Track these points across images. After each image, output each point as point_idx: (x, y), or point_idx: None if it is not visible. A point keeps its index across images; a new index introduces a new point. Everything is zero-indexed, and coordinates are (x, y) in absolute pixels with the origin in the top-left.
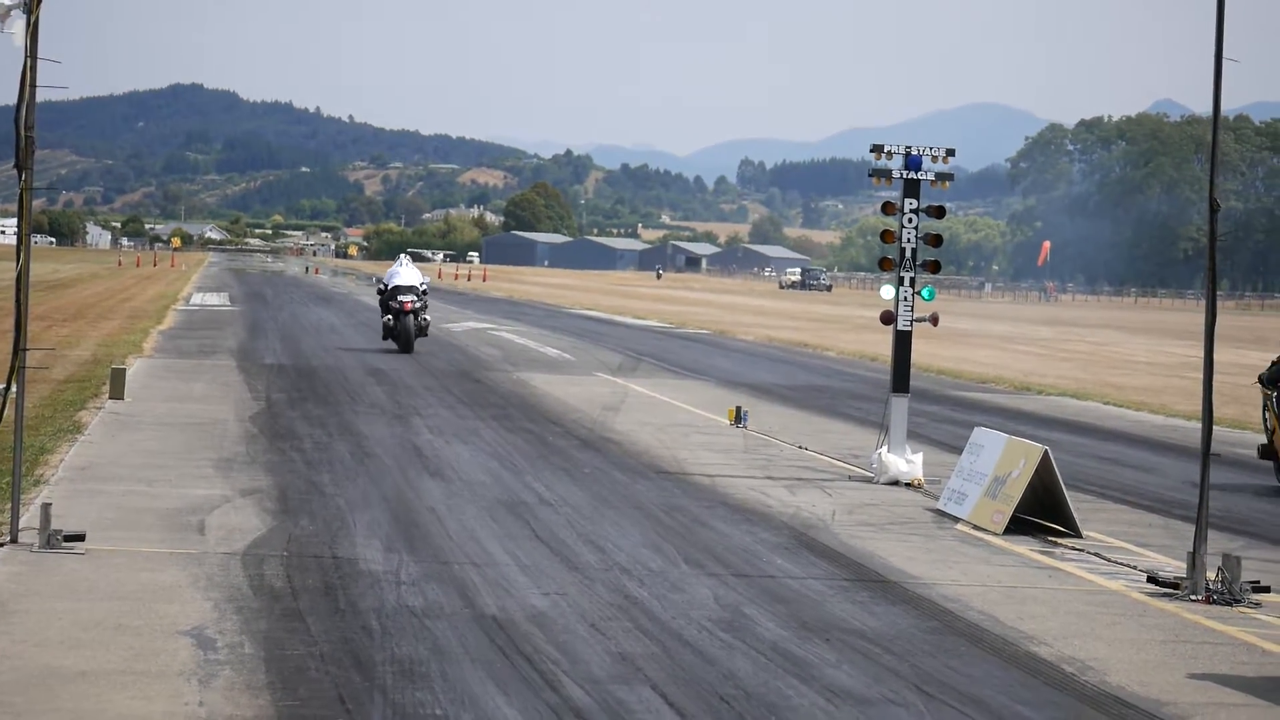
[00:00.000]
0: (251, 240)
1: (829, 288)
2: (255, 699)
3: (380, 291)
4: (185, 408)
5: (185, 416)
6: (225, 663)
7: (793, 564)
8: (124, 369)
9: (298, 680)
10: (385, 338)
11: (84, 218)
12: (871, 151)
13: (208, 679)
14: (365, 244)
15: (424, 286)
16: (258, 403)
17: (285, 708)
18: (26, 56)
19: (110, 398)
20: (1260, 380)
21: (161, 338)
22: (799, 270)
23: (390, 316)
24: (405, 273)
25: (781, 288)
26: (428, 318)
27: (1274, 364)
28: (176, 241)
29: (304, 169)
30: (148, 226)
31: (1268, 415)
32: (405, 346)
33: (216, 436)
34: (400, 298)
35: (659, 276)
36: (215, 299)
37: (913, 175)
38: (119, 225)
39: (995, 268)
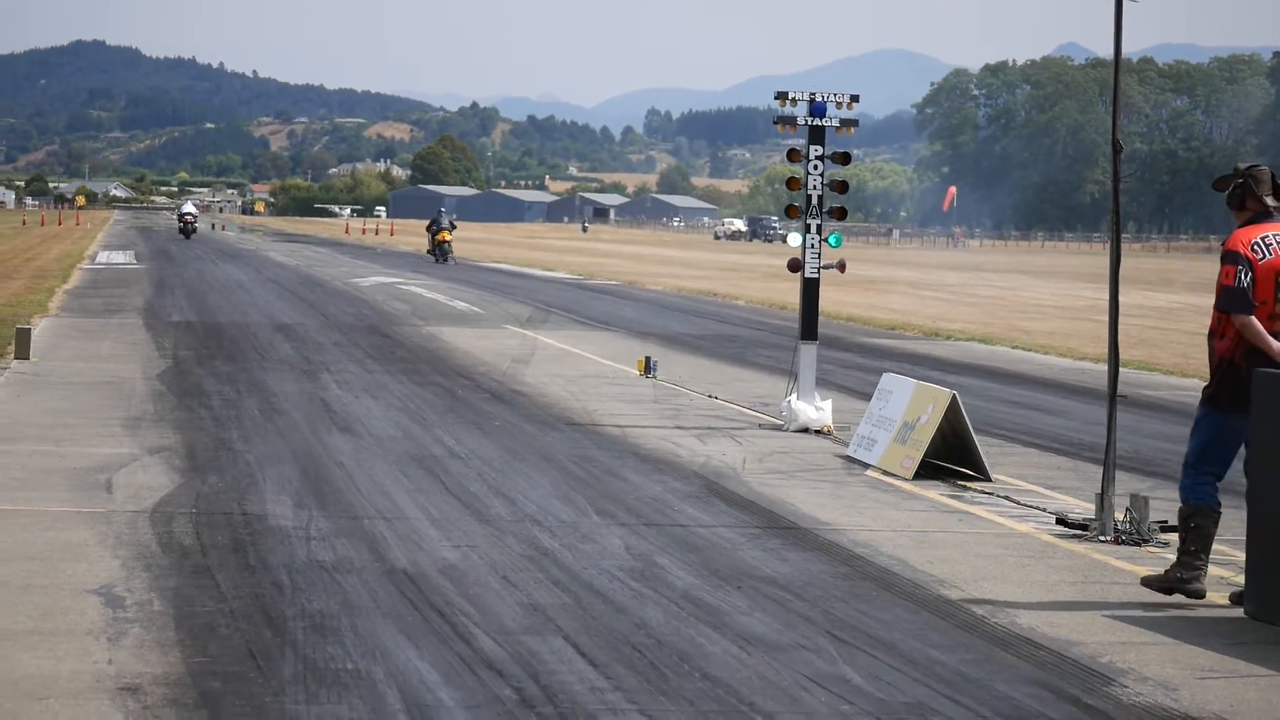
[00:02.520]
0: (157, 198)
1: (785, 238)
2: (165, 656)
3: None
4: (92, 367)
5: (92, 375)
6: (134, 620)
7: (704, 512)
8: (29, 329)
9: (207, 637)
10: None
11: None
12: (776, 99)
13: (117, 637)
14: (272, 200)
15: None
16: (165, 361)
17: (195, 664)
18: None
19: (15, 358)
20: None
21: (67, 297)
22: (742, 220)
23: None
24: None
25: (717, 239)
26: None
27: None
28: (81, 200)
29: (209, 125)
30: (52, 185)
31: None
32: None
33: (124, 395)
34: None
35: (585, 230)
36: (121, 257)
37: (817, 122)
38: (22, 184)
39: (903, 214)
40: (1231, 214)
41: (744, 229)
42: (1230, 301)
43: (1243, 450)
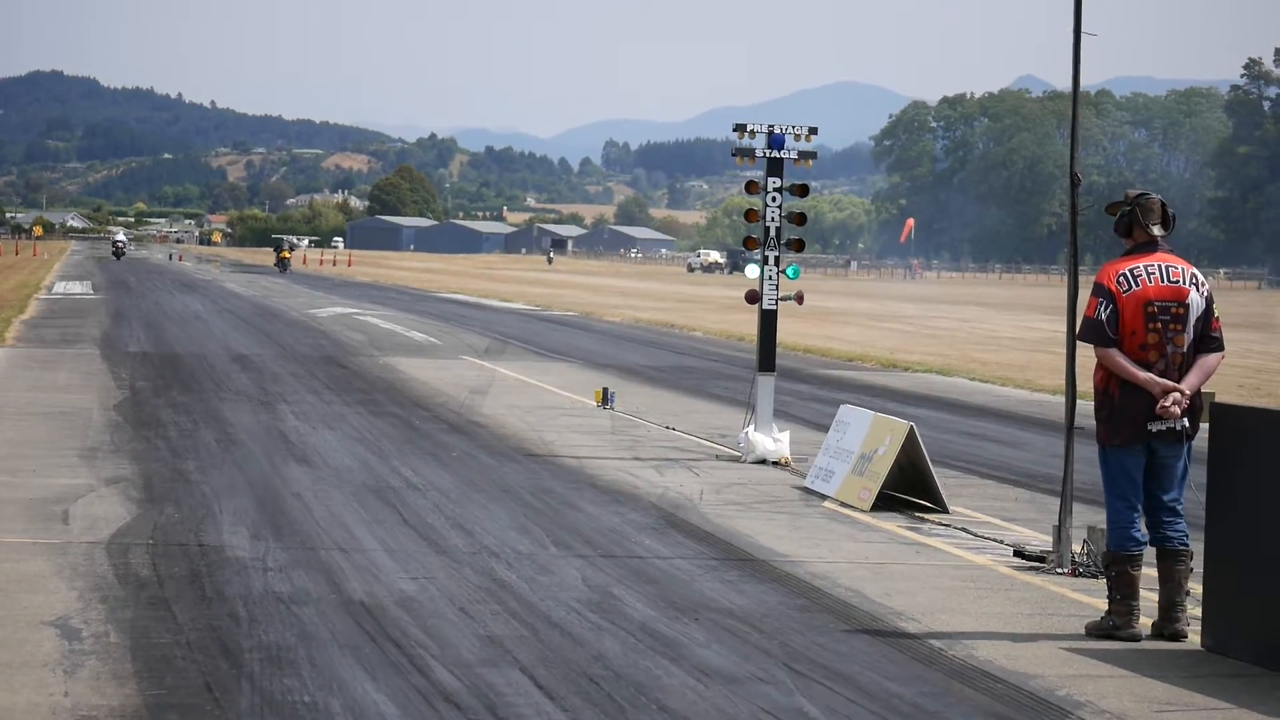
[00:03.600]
0: (114, 228)
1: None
2: (121, 688)
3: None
4: (48, 397)
5: (48, 406)
6: (90, 652)
7: (661, 544)
8: None
9: (164, 669)
10: None
11: None
12: (735, 130)
13: (73, 669)
14: (229, 230)
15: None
16: (122, 391)
17: (152, 697)
18: None
19: None
20: None
21: (23, 327)
22: (720, 252)
23: None
24: None
25: (691, 270)
26: None
27: None
28: (38, 230)
29: (166, 156)
30: (9, 216)
31: None
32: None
33: (81, 426)
34: None
35: (550, 261)
36: (78, 287)
37: (776, 154)
38: None
39: (861, 246)
40: (1122, 241)
41: (722, 261)
42: (1086, 333)
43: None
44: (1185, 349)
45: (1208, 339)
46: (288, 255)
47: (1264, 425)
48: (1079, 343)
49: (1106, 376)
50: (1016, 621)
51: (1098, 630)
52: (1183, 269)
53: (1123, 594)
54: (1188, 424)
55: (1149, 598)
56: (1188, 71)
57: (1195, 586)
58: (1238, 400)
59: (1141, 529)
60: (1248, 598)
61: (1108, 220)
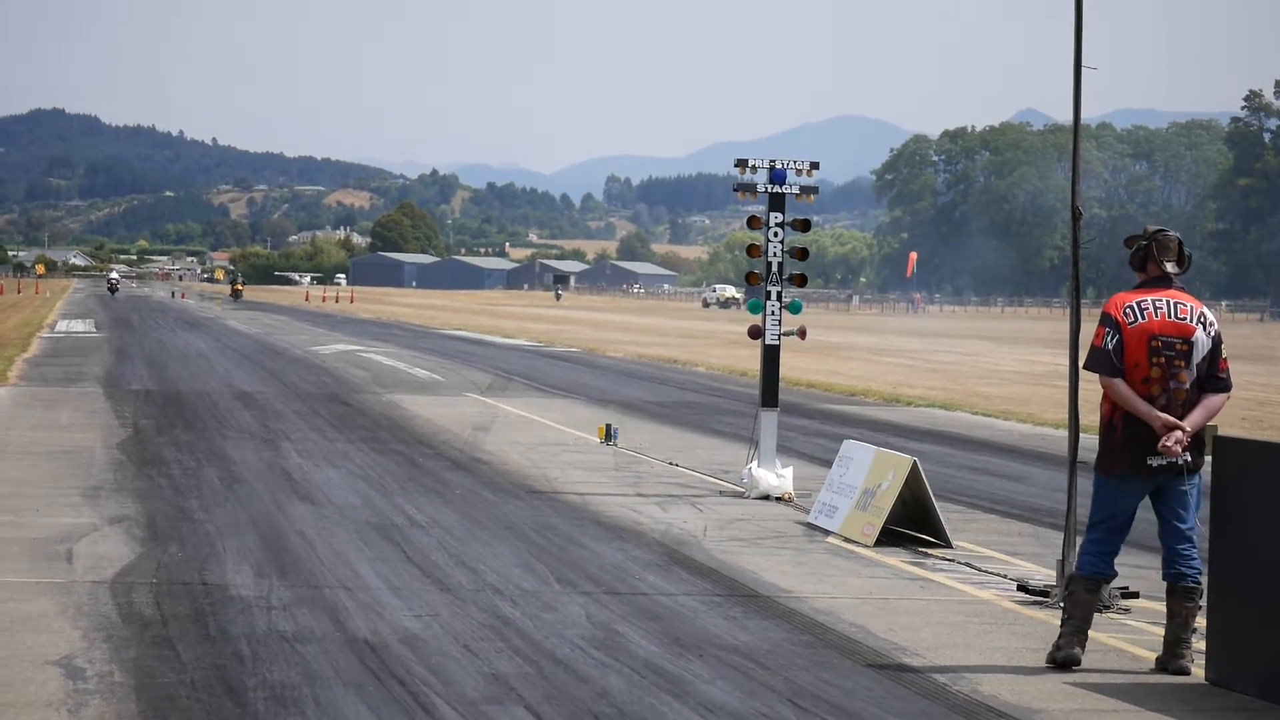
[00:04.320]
0: (117, 266)
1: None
2: None
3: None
4: (52, 436)
5: (52, 445)
6: (95, 692)
7: (665, 580)
8: None
9: (168, 708)
10: None
11: None
12: (736, 166)
13: (77, 708)
14: (232, 268)
15: None
16: (125, 430)
17: None
18: None
19: None
20: None
21: (26, 365)
22: (738, 287)
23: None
24: None
25: (707, 306)
26: None
27: None
28: (41, 269)
29: (168, 193)
30: (11, 254)
31: None
32: None
33: (84, 464)
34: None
35: (558, 298)
36: (81, 325)
37: (777, 189)
38: None
39: (863, 280)
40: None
41: (740, 296)
42: (1094, 362)
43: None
44: (1188, 386)
45: (1214, 378)
46: (240, 288)
47: (1267, 458)
48: (1084, 373)
49: (1112, 407)
50: (1021, 656)
51: (1050, 655)
52: (1191, 307)
53: (1070, 614)
54: (1189, 459)
55: (1152, 631)
56: (1188, 104)
57: (1200, 620)
58: (1240, 433)
59: (1110, 563)
60: (1252, 631)
61: (1110, 253)
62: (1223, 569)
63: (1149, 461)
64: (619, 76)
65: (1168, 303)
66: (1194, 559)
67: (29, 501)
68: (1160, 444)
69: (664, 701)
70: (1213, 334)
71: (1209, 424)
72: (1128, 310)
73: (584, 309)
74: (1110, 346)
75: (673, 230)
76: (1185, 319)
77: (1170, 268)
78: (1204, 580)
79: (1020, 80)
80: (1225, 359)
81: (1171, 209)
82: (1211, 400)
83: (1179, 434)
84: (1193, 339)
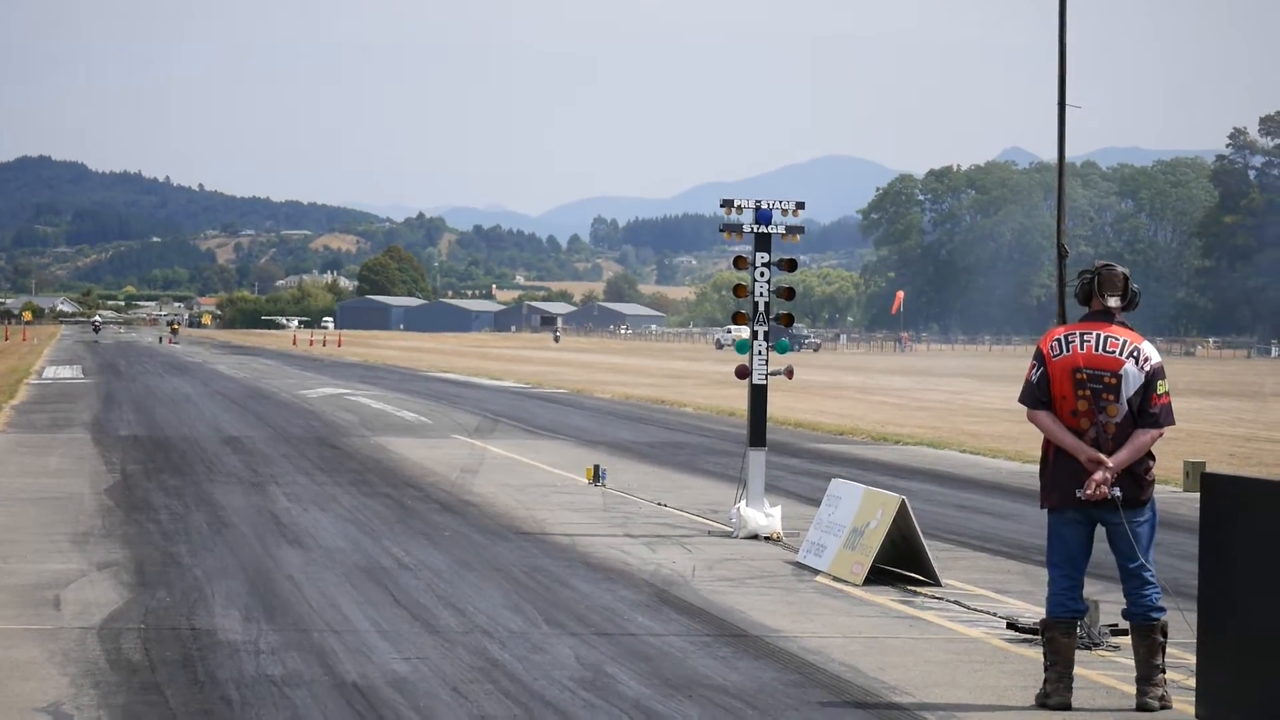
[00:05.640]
0: (104, 312)
1: (818, 348)
2: None
3: None
4: (39, 482)
5: (39, 491)
6: None
7: (654, 621)
8: None
9: None
10: None
11: None
12: (722, 206)
13: None
14: (219, 313)
15: None
16: (113, 475)
17: None
18: None
19: None
20: None
21: (14, 412)
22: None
23: None
24: None
25: (720, 347)
26: None
27: None
28: (28, 315)
29: (155, 239)
30: None
31: None
32: None
33: (72, 510)
34: None
35: (556, 340)
36: (68, 371)
37: (763, 229)
38: None
39: (850, 319)
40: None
41: None
42: (1022, 394)
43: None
44: (1119, 419)
45: (1145, 414)
46: (178, 328)
47: (1255, 495)
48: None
49: (1047, 441)
50: (1010, 694)
51: (1038, 699)
52: (1125, 341)
53: (1052, 660)
54: (1119, 494)
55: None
56: (1173, 142)
57: (1189, 656)
58: (1229, 469)
59: (1077, 598)
60: (1242, 668)
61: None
62: (1211, 605)
63: (1078, 494)
64: (605, 118)
65: (1096, 335)
66: (1146, 595)
67: (17, 548)
68: (1085, 485)
69: None
70: (1147, 369)
71: (1194, 460)
72: (1055, 344)
73: (571, 350)
74: (1035, 379)
75: (660, 271)
76: (1114, 352)
77: (1113, 302)
78: (1162, 617)
79: (1005, 119)
80: (1163, 395)
81: (1157, 246)
82: (1140, 437)
83: (1102, 473)
84: (1120, 371)
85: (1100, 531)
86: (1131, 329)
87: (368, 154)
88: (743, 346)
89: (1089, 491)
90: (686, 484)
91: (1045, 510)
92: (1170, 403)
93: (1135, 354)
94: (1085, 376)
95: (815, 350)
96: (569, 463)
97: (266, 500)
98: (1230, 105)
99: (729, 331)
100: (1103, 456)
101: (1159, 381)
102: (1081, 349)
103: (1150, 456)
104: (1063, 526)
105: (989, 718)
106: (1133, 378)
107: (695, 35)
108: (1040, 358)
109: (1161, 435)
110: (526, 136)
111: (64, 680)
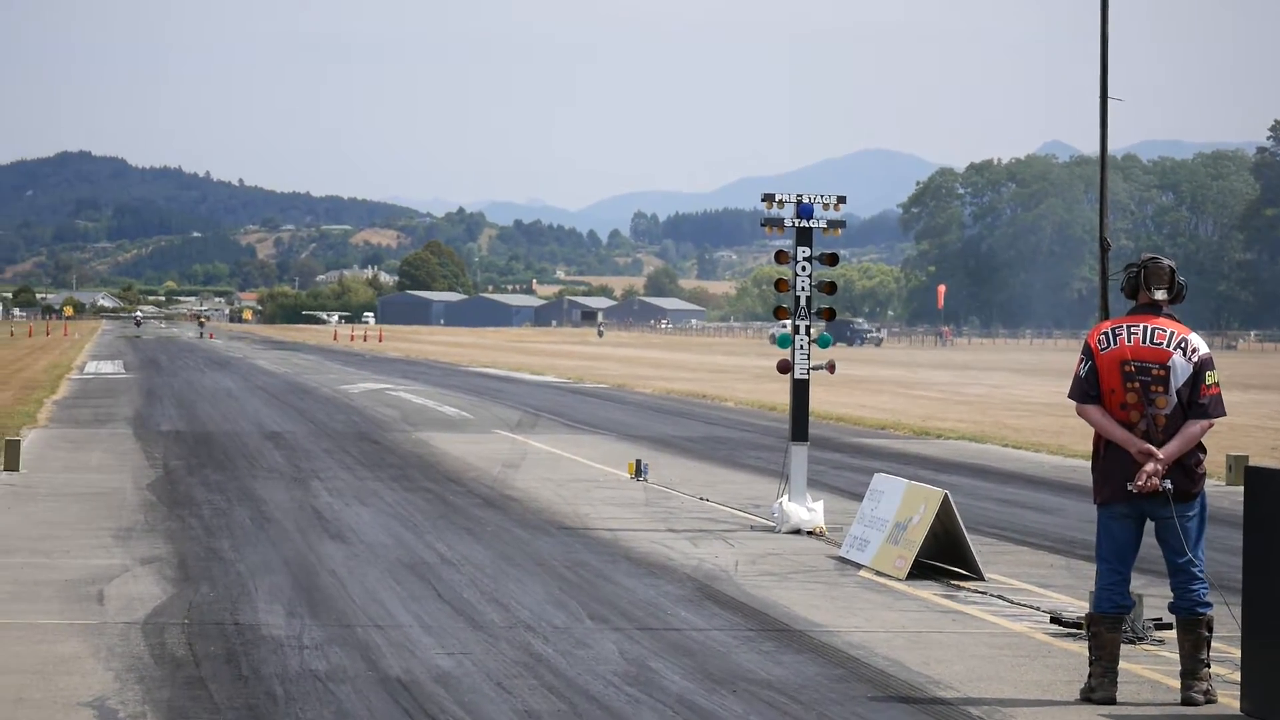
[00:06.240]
0: (145, 307)
1: (880, 342)
2: None
3: None
4: (82, 477)
5: (82, 486)
6: None
7: (697, 616)
8: (18, 440)
9: None
10: None
11: None
12: (763, 201)
13: None
14: (260, 308)
15: None
16: (155, 470)
17: None
18: None
19: (4, 469)
20: None
21: (56, 407)
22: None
23: None
24: None
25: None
26: None
27: None
28: (69, 310)
29: (195, 234)
30: (39, 296)
31: None
32: None
33: (114, 506)
34: None
35: (600, 334)
36: (110, 366)
37: (805, 223)
38: (10, 296)
39: (890, 313)
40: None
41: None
42: (1072, 389)
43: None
44: (1168, 411)
45: (1196, 405)
46: (204, 321)
47: None
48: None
49: (1097, 435)
50: (1055, 689)
51: (1082, 693)
52: (1172, 333)
53: (1097, 655)
54: (1170, 486)
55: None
56: (1215, 135)
57: (1234, 651)
58: (1271, 463)
59: (1125, 593)
60: None
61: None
62: (1256, 600)
63: (1129, 487)
64: (645, 113)
65: (1144, 328)
66: (1194, 590)
67: (60, 543)
68: (1136, 477)
69: None
70: (1195, 360)
71: (1237, 454)
72: (1102, 337)
73: (611, 345)
74: (1083, 374)
75: (700, 265)
76: (1162, 344)
77: (1159, 295)
78: (1208, 612)
79: (1045, 112)
80: (1212, 385)
81: (1198, 239)
82: (1190, 428)
83: (1153, 464)
84: (1168, 363)
85: (1148, 526)
86: (1179, 321)
87: (408, 149)
88: (784, 341)
89: (1140, 483)
90: (728, 479)
91: (1097, 506)
92: (1220, 394)
93: (1183, 345)
94: (1134, 369)
95: (877, 345)
96: (611, 458)
97: (309, 495)
98: (1272, 97)
99: (785, 326)
100: (1153, 448)
101: (1207, 372)
102: (1129, 341)
103: (1201, 449)
104: (1112, 521)
105: (1034, 713)
106: (1181, 369)
107: (734, 31)
108: (1088, 352)
109: (1212, 426)
110: (567, 131)
111: (109, 675)
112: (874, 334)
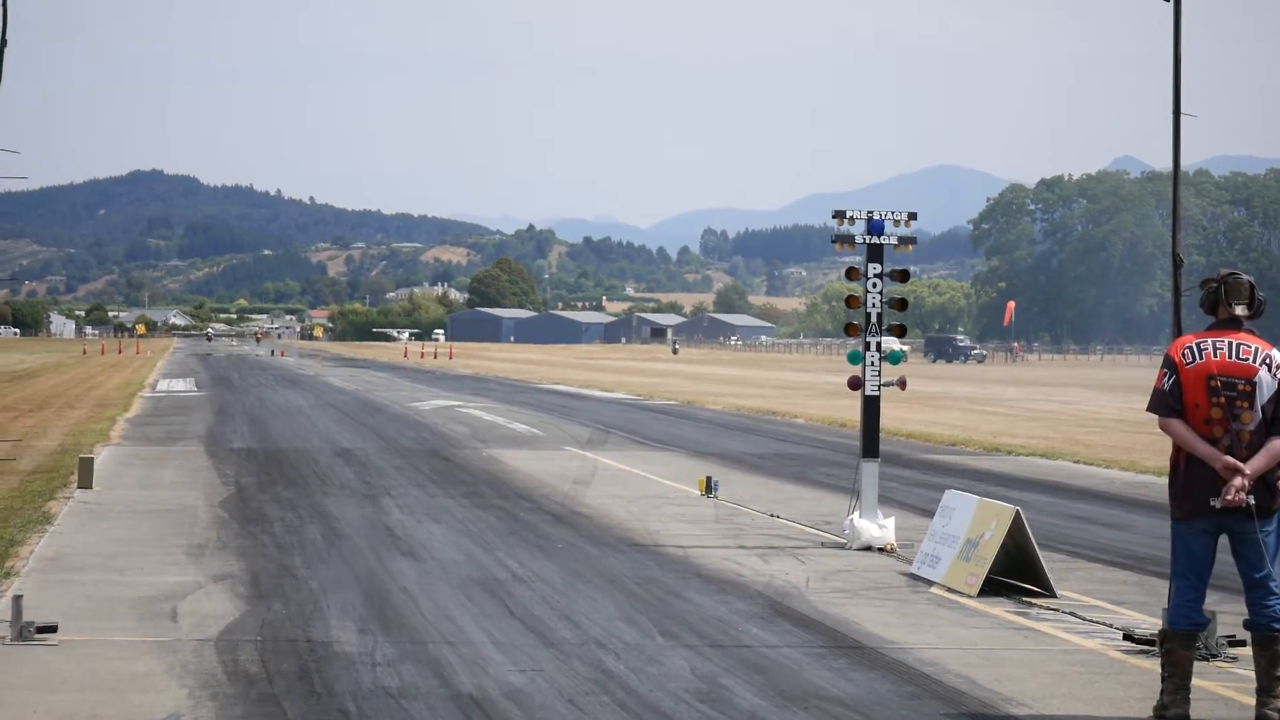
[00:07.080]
0: (216, 325)
1: (983, 359)
2: None
3: None
4: (155, 495)
5: (155, 504)
6: None
7: (768, 632)
8: (92, 458)
9: None
10: None
11: (47, 307)
12: (834, 217)
13: None
14: (330, 325)
15: None
16: (227, 488)
17: None
18: None
19: (79, 487)
20: None
21: (129, 425)
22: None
23: None
24: None
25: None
26: None
27: None
28: (141, 329)
29: (267, 252)
30: (111, 314)
31: None
32: None
33: (187, 523)
34: None
35: (675, 351)
36: (181, 384)
37: (875, 240)
38: (82, 314)
39: (960, 330)
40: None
41: (903, 349)
42: (1152, 403)
43: None
44: (1253, 427)
45: (1279, 421)
46: (260, 338)
47: None
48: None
49: (1177, 450)
50: (1128, 706)
51: (1155, 710)
52: (1257, 349)
53: (1170, 672)
54: (1253, 501)
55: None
56: None
57: None
58: None
59: (1199, 610)
60: None
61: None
62: None
63: (1211, 502)
64: (714, 130)
65: (1229, 343)
66: (1270, 606)
67: (134, 560)
68: (1223, 493)
69: None
70: (1279, 375)
71: None
72: (1186, 351)
73: (685, 361)
74: (1167, 387)
75: (769, 282)
76: (1248, 359)
77: (1240, 310)
78: None
79: (1117, 128)
80: None
81: (1270, 255)
82: (1274, 444)
83: (1239, 480)
84: (1255, 379)
85: (1222, 543)
86: (1260, 337)
87: (479, 166)
88: (855, 357)
89: (1228, 497)
90: (799, 495)
91: (1173, 522)
92: None
93: (1268, 361)
94: (1220, 384)
95: (980, 362)
96: (681, 474)
97: (380, 512)
98: None
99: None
100: (1239, 464)
101: None
102: (1215, 356)
103: None
104: (1190, 537)
105: None
106: (1266, 385)
107: (803, 47)
108: (1171, 365)
109: None
110: (637, 149)
111: (182, 692)
112: (977, 351)
